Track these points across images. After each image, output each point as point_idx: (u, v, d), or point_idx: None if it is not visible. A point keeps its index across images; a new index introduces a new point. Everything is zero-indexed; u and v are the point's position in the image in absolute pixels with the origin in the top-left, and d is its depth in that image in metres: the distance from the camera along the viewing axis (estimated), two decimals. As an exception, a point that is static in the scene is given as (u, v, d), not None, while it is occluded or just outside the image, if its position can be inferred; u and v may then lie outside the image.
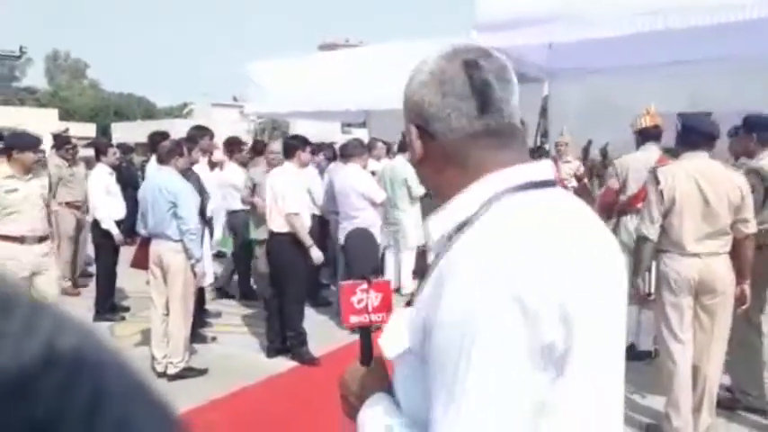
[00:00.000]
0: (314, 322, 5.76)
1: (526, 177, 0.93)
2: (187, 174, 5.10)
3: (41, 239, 4.65)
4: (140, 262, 5.08)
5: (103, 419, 0.29)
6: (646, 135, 4.69)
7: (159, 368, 4.79)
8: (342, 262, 6.56)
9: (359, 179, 5.97)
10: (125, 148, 11.16)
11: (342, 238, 5.20)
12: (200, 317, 5.71)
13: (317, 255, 5.20)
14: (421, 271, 6.33)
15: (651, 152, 4.62)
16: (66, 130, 8.03)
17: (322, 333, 5.52)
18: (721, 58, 5.34)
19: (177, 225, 4.67)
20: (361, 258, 1.28)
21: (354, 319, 1.21)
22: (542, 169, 0.97)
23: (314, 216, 6.14)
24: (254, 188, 6.01)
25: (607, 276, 0.92)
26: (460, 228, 0.90)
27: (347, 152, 6.16)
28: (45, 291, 4.51)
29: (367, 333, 1.19)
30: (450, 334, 0.81)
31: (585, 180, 6.53)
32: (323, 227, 6.82)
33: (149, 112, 34.07)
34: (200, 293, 5.59)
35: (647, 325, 4.47)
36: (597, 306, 0.87)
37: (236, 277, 7.22)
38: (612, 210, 4.89)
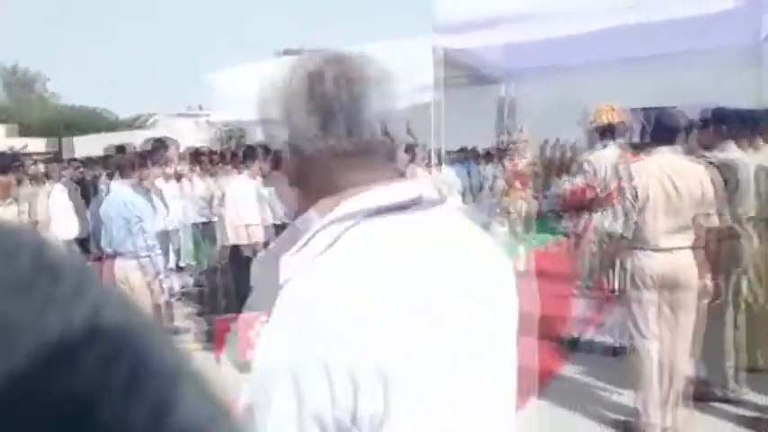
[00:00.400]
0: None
1: (387, 199, 0.84)
2: (147, 188, 4.99)
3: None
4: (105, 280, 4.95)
5: (140, 400, 0.27)
6: (610, 131, 4.72)
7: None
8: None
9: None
10: (89, 162, 10.91)
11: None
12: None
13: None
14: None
15: (613, 149, 4.65)
16: (25, 146, 7.83)
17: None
18: (681, 54, 5.42)
19: (144, 239, 4.56)
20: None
21: (252, 354, 1.16)
22: (407, 188, 0.88)
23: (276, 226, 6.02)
24: (222, 198, 5.89)
25: (477, 300, 0.86)
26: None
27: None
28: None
29: None
30: (257, 377, 0.79)
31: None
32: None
33: (112, 124, 33.45)
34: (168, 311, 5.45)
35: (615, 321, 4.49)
36: (451, 344, 0.81)
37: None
38: (584, 206, 4.88)
